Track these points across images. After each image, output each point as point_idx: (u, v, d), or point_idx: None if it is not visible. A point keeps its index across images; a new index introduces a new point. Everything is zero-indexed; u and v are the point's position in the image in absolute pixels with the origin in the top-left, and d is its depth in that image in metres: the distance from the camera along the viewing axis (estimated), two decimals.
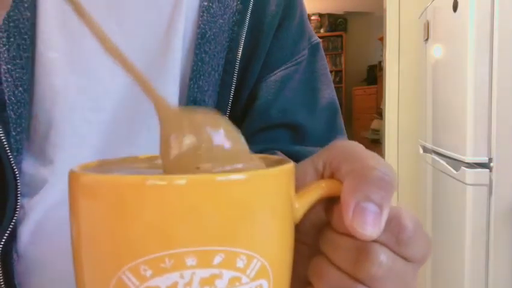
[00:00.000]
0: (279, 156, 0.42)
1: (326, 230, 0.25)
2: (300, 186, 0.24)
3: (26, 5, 0.41)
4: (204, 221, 0.19)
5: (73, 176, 0.21)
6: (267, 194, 0.21)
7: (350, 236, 0.23)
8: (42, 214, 0.42)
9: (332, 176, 0.25)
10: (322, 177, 0.25)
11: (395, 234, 0.23)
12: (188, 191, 0.19)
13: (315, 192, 0.24)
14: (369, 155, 0.24)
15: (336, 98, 0.54)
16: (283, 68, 0.51)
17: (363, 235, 0.22)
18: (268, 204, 0.21)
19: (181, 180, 0.19)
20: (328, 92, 0.53)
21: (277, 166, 0.22)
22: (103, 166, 0.25)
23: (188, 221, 0.19)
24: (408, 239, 0.23)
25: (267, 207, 0.21)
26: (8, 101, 0.40)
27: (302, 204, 0.23)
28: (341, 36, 6.19)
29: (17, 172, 0.40)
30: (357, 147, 0.25)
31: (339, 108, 0.55)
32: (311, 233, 0.26)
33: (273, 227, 0.21)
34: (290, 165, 0.22)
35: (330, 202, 0.24)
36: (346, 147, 0.25)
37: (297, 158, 0.48)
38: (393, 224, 0.23)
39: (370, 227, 0.22)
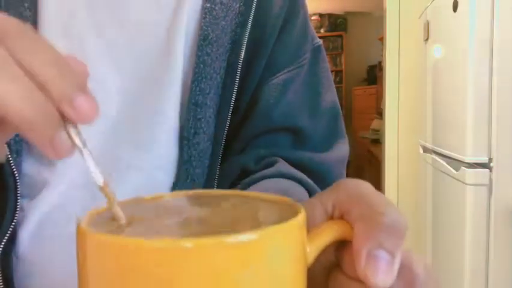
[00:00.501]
0: (288, 190, 0.42)
1: (336, 273, 0.24)
2: (309, 226, 0.23)
3: (26, 5, 0.41)
4: (215, 284, 0.18)
5: (80, 232, 0.21)
6: (280, 250, 0.20)
7: (361, 281, 0.22)
8: (42, 216, 0.42)
9: (341, 218, 0.24)
10: (331, 218, 0.25)
11: (407, 282, 0.23)
12: (196, 254, 0.18)
13: (326, 236, 0.23)
14: (379, 199, 0.24)
15: (338, 101, 0.54)
16: (285, 71, 0.50)
17: (375, 284, 0.22)
18: (282, 259, 0.20)
19: (187, 243, 0.18)
20: (329, 96, 0.53)
21: (288, 220, 0.21)
22: (109, 212, 0.24)
23: (199, 285, 0.18)
24: (420, 286, 0.23)
25: (281, 262, 0.20)
26: None
27: (314, 248, 0.23)
28: (341, 36, 6.18)
29: (16, 174, 0.39)
30: (365, 188, 0.25)
31: (341, 112, 0.54)
32: (321, 275, 0.26)
33: (288, 280, 0.21)
34: (302, 215, 0.22)
35: (341, 244, 0.24)
36: (355, 189, 0.25)
37: (297, 165, 0.48)
38: (406, 272, 0.23)
39: (383, 275, 0.22)
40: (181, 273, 0.18)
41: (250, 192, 0.27)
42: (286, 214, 0.22)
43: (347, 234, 0.23)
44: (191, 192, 0.28)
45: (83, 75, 0.23)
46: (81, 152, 0.23)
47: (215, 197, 0.27)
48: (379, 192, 0.25)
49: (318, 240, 0.23)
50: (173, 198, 0.27)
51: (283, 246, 0.20)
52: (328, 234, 0.24)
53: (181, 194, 0.28)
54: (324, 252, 0.24)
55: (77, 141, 0.23)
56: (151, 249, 0.18)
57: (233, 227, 0.22)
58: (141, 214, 0.24)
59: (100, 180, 0.23)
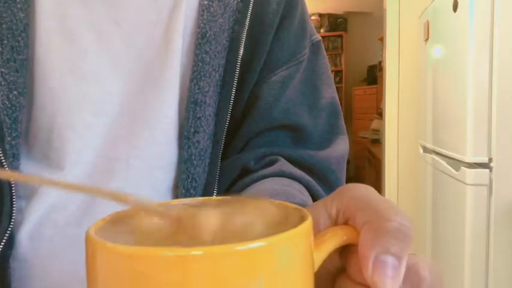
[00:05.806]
0: (294, 197, 0.42)
1: (342, 278, 0.25)
2: (313, 232, 0.23)
3: (19, 6, 0.40)
4: None
5: (89, 241, 0.21)
6: (289, 257, 0.20)
7: (367, 286, 0.23)
8: (41, 216, 0.42)
9: (346, 223, 0.25)
10: (336, 223, 0.25)
11: (414, 286, 0.23)
12: (206, 263, 0.18)
13: (332, 241, 0.24)
14: (384, 204, 0.24)
15: (337, 97, 0.54)
16: (284, 67, 0.50)
17: None
18: (291, 265, 0.21)
19: (197, 251, 0.18)
20: (329, 92, 0.53)
21: (297, 226, 0.21)
22: (117, 222, 0.24)
23: None
24: None
25: (290, 269, 0.20)
26: (1, 105, 0.39)
27: (320, 254, 0.23)
28: (341, 36, 6.17)
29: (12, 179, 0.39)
30: (370, 193, 0.25)
31: (340, 108, 0.54)
32: (326, 280, 0.26)
33: (297, 286, 0.21)
34: (309, 221, 0.22)
35: (346, 249, 0.24)
36: (359, 194, 0.25)
37: (298, 163, 0.48)
38: (412, 275, 0.23)
39: (390, 280, 0.22)
40: (191, 282, 0.18)
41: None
42: (293, 220, 0.22)
43: (352, 239, 0.23)
44: (193, 199, 0.28)
45: None
46: None
47: (219, 204, 0.27)
48: (383, 197, 0.25)
49: (324, 246, 0.23)
50: (177, 205, 0.27)
51: (292, 253, 0.21)
52: (334, 240, 0.24)
53: (184, 202, 0.28)
54: (328, 257, 0.24)
55: None
56: (160, 257, 0.18)
57: (241, 235, 0.22)
58: (148, 222, 0.24)
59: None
